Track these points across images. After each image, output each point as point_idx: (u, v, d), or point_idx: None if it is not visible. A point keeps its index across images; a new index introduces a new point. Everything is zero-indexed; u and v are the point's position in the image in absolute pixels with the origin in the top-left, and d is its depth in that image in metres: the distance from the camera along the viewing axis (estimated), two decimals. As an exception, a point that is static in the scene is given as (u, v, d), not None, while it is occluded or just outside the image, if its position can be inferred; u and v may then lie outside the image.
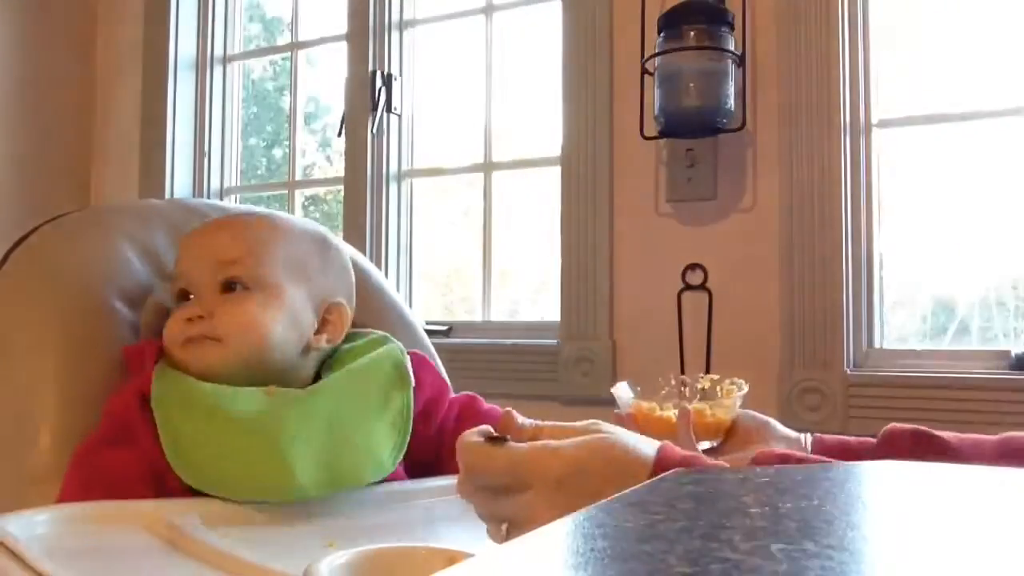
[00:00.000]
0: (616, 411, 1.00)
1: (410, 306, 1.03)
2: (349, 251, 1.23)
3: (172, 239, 1.07)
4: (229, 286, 0.93)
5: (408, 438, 0.94)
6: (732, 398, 0.97)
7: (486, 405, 1.06)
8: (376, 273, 1.27)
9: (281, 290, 0.94)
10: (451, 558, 0.61)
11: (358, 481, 0.88)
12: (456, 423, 1.02)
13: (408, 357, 1.01)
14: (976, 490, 0.40)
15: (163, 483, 0.84)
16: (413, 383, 0.98)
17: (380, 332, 1.05)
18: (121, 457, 0.85)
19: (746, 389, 0.98)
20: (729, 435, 0.96)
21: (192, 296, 0.94)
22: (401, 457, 0.93)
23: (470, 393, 1.08)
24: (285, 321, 0.94)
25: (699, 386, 1.02)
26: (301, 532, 0.78)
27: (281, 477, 0.83)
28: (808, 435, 0.93)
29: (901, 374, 1.81)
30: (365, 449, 0.90)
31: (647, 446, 0.66)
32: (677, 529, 0.26)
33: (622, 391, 1.01)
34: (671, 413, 0.96)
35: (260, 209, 1.07)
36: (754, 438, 0.93)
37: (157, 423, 0.84)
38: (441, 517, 0.87)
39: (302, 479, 0.83)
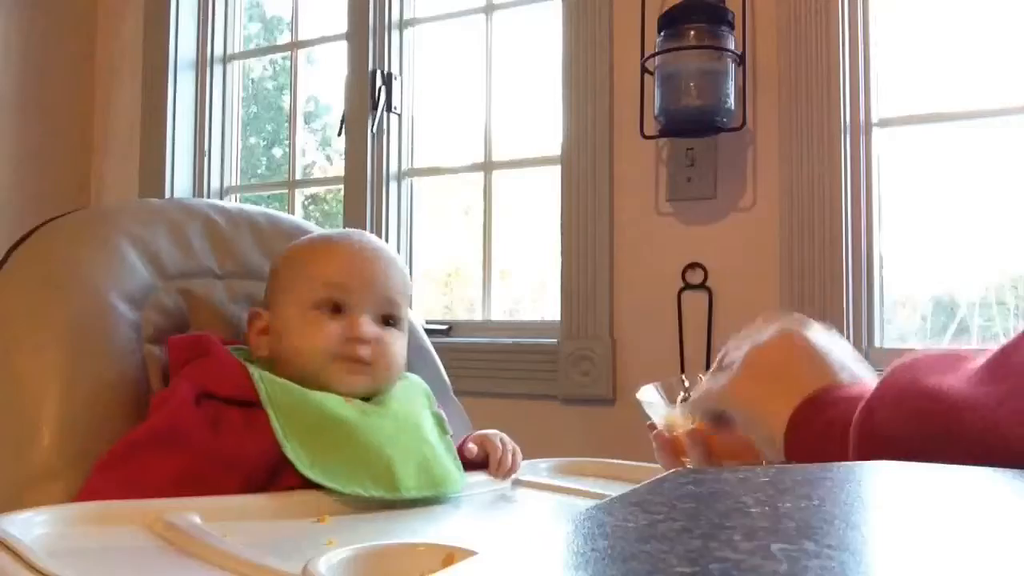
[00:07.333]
0: (648, 422, 0.85)
1: (410, 306, 1.04)
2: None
3: (172, 239, 1.07)
4: (388, 320, 0.98)
5: (456, 453, 0.97)
6: None
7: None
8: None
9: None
10: (450, 555, 0.61)
11: (450, 487, 0.91)
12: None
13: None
14: (976, 490, 0.40)
15: (207, 488, 0.82)
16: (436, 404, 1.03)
17: None
18: (166, 461, 0.84)
19: None
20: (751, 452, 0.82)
21: (343, 311, 0.95)
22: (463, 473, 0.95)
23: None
24: None
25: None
26: (300, 530, 0.78)
27: (386, 475, 0.86)
28: None
29: (901, 374, 1.81)
30: (443, 459, 0.93)
31: None
32: (677, 529, 0.26)
33: (650, 395, 0.84)
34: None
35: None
36: None
37: (271, 418, 0.86)
38: (441, 516, 0.87)
39: (404, 479, 0.87)
